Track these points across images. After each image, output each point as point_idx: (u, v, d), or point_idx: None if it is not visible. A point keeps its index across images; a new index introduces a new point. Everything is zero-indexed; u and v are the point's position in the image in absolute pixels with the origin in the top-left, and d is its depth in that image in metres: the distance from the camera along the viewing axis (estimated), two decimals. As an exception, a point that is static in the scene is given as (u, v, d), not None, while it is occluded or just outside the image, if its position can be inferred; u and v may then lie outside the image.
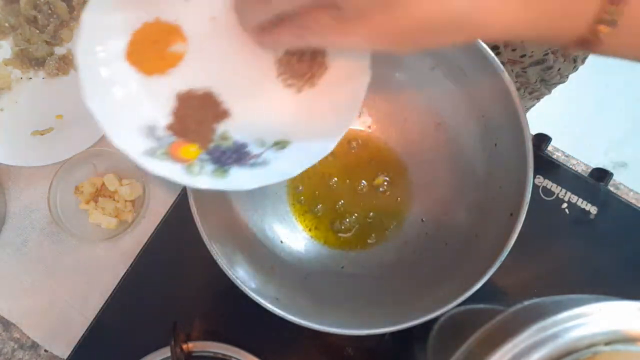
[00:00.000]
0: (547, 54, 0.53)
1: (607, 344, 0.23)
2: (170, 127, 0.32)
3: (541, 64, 0.55)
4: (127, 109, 0.31)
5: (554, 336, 0.23)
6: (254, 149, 0.33)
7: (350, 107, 0.32)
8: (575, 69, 0.60)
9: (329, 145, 0.31)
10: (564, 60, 0.56)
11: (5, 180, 0.54)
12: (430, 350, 0.41)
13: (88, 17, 0.29)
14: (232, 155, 0.32)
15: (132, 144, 0.30)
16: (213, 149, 0.32)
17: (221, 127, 0.33)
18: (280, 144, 0.33)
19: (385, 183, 0.49)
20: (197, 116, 0.33)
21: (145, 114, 0.32)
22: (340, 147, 0.49)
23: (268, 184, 0.31)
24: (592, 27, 0.23)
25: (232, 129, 0.33)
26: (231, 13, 0.32)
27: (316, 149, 0.32)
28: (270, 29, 0.28)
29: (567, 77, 0.62)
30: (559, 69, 0.58)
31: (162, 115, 0.32)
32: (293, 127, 0.32)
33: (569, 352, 0.23)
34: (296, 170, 0.31)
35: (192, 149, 0.32)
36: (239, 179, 0.31)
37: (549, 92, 0.65)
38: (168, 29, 0.32)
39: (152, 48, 0.32)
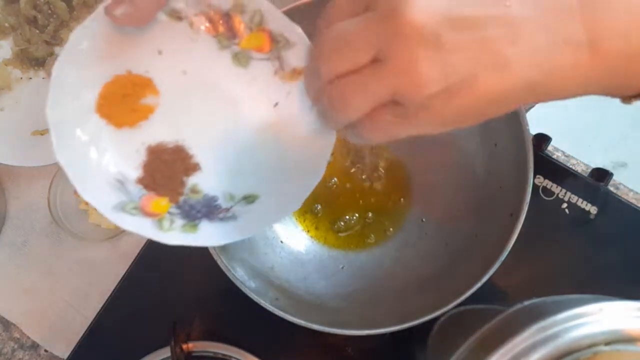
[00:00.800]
0: None
1: (607, 344, 0.23)
2: (141, 181, 0.32)
3: None
4: (97, 163, 0.31)
5: (554, 336, 0.23)
6: (223, 203, 0.33)
7: (316, 168, 0.32)
8: None
9: (297, 202, 0.32)
10: None
11: (5, 180, 0.54)
12: (430, 350, 0.41)
13: (58, 71, 0.29)
14: (201, 209, 0.33)
15: (103, 198, 0.30)
16: (183, 202, 0.33)
17: (191, 181, 0.33)
18: (250, 198, 0.33)
19: (385, 184, 0.49)
20: (167, 170, 0.33)
21: (115, 167, 0.32)
22: (341, 147, 0.49)
23: (237, 240, 0.31)
24: None
25: (202, 183, 0.33)
26: (202, 68, 0.32)
27: (284, 205, 0.32)
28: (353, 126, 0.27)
29: None
30: None
31: (132, 168, 0.32)
32: (262, 182, 0.32)
33: (569, 352, 0.23)
34: (265, 226, 0.32)
35: (162, 203, 0.32)
36: (208, 234, 0.32)
37: None
38: (139, 82, 0.32)
39: (123, 101, 0.32)
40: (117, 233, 0.51)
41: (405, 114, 0.23)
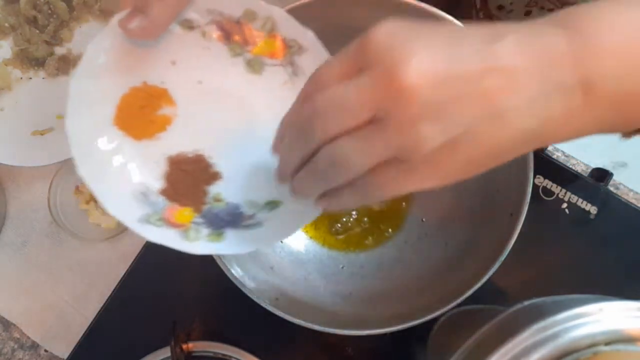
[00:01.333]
0: (529, 11, 0.51)
1: (607, 344, 0.23)
2: (163, 192, 0.32)
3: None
4: (119, 175, 0.31)
5: (554, 336, 0.23)
6: (246, 210, 0.33)
7: None
8: None
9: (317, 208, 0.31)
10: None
11: (5, 180, 0.54)
12: (430, 350, 0.41)
13: (75, 85, 0.29)
14: (225, 218, 0.33)
15: (127, 211, 0.30)
16: (207, 211, 0.33)
17: (213, 190, 0.33)
18: (272, 204, 0.33)
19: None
20: (189, 179, 0.33)
21: (137, 179, 0.32)
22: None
23: (264, 247, 0.31)
24: None
25: (225, 191, 0.33)
26: (217, 76, 0.32)
27: (307, 209, 0.32)
28: (330, 193, 0.27)
29: None
30: None
31: (153, 179, 0.32)
32: (282, 187, 0.32)
33: (569, 352, 0.23)
34: (290, 232, 0.32)
35: (185, 213, 0.32)
36: (235, 241, 0.32)
37: None
38: (155, 93, 0.32)
39: (140, 112, 0.32)
40: (117, 233, 0.51)
41: (409, 169, 0.23)
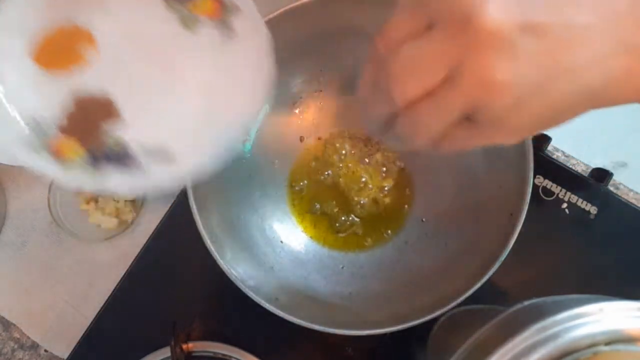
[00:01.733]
0: None
1: (607, 344, 0.23)
2: (60, 125, 0.33)
3: None
4: (18, 100, 0.32)
5: (554, 336, 0.23)
6: (137, 156, 0.33)
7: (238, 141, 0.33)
8: None
9: (212, 162, 0.32)
10: None
11: (5, 180, 0.54)
12: (430, 350, 0.41)
13: None
14: (113, 158, 0.33)
15: (11, 133, 0.31)
16: (97, 150, 0.33)
17: (111, 130, 0.33)
18: (164, 154, 0.33)
19: (385, 185, 0.49)
20: (88, 117, 0.33)
21: (36, 107, 0.32)
22: (340, 148, 0.49)
23: (141, 191, 0.31)
24: None
25: (121, 133, 0.34)
26: (147, 27, 0.33)
27: (197, 166, 0.32)
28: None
29: None
30: None
31: (53, 111, 0.33)
32: (181, 141, 0.32)
33: (569, 352, 0.23)
34: (172, 183, 0.32)
35: (75, 148, 0.32)
36: (115, 182, 0.32)
37: None
38: (79, 33, 0.33)
39: (59, 47, 0.32)
40: (117, 233, 0.51)
41: (479, 127, 0.23)
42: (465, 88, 0.21)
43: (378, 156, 0.49)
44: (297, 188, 0.49)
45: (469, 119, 0.23)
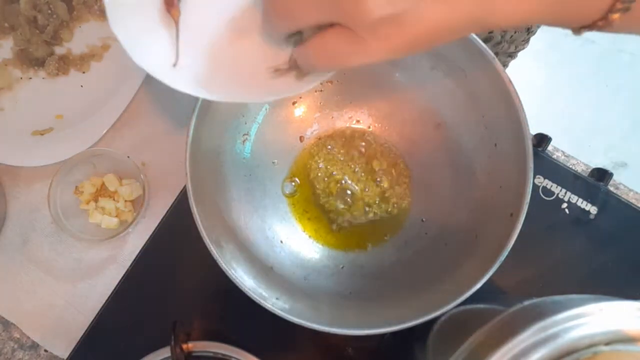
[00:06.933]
0: (491, 32, 0.52)
1: (607, 344, 0.23)
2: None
3: (488, 41, 0.54)
4: (154, 32, 0.33)
5: (554, 336, 0.23)
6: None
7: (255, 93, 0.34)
8: (532, 32, 0.59)
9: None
10: (515, 32, 0.56)
11: (5, 180, 0.54)
12: (430, 350, 0.41)
13: None
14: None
15: (157, 64, 0.33)
16: None
17: None
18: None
19: (386, 184, 0.49)
20: None
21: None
22: (341, 148, 0.49)
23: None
24: (606, 15, 0.24)
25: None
26: None
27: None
28: (300, 48, 0.29)
29: (528, 41, 0.61)
30: (511, 37, 0.57)
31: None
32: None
33: (569, 352, 0.23)
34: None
35: None
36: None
37: (513, 58, 0.64)
38: None
39: None
40: (117, 233, 0.51)
41: (356, 40, 0.24)
42: None
43: (378, 156, 0.49)
44: (296, 188, 0.49)
45: (347, 27, 0.24)
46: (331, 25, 0.25)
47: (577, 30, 0.26)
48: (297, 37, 0.33)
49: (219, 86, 0.34)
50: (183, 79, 0.33)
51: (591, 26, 0.25)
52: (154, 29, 0.34)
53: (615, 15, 0.23)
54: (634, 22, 0.24)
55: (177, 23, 0.34)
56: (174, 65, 0.33)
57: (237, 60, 0.34)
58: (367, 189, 0.49)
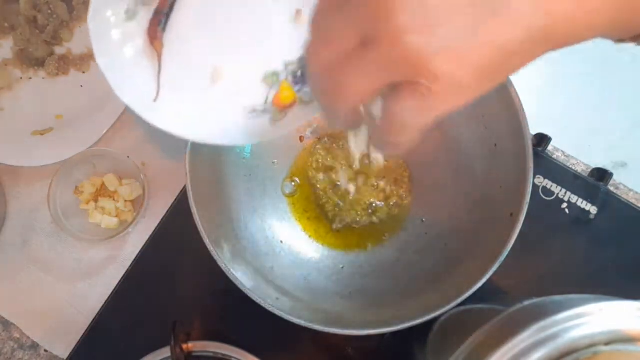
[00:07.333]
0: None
1: (607, 344, 0.23)
2: None
3: None
4: (137, 66, 0.34)
5: (554, 336, 0.23)
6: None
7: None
8: None
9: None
10: None
11: (5, 180, 0.54)
12: (430, 350, 0.41)
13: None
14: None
15: (138, 99, 0.33)
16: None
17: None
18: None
19: (386, 184, 0.49)
20: None
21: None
22: (341, 148, 0.49)
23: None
24: None
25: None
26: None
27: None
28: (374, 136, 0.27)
29: None
30: None
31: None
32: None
33: (569, 352, 0.23)
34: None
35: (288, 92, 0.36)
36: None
37: None
38: None
39: None
40: (117, 233, 0.51)
41: (422, 90, 0.21)
42: (381, 50, 0.21)
43: (379, 156, 0.49)
44: (296, 188, 0.49)
45: (411, 83, 0.21)
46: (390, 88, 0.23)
47: (623, 41, 0.25)
48: (274, 79, 0.33)
49: (196, 125, 0.34)
50: (161, 116, 0.33)
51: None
52: (137, 62, 0.34)
53: None
54: None
55: (159, 56, 0.34)
56: (154, 100, 0.34)
57: (216, 97, 0.35)
58: (367, 189, 0.49)
